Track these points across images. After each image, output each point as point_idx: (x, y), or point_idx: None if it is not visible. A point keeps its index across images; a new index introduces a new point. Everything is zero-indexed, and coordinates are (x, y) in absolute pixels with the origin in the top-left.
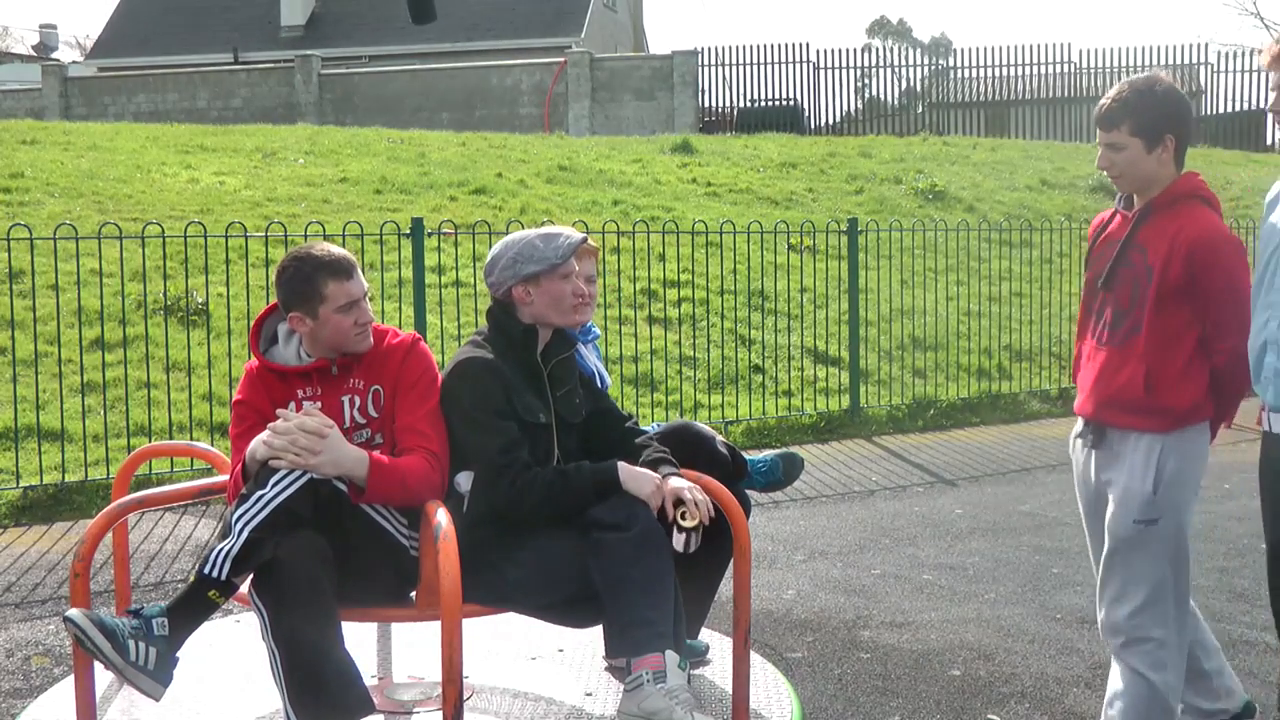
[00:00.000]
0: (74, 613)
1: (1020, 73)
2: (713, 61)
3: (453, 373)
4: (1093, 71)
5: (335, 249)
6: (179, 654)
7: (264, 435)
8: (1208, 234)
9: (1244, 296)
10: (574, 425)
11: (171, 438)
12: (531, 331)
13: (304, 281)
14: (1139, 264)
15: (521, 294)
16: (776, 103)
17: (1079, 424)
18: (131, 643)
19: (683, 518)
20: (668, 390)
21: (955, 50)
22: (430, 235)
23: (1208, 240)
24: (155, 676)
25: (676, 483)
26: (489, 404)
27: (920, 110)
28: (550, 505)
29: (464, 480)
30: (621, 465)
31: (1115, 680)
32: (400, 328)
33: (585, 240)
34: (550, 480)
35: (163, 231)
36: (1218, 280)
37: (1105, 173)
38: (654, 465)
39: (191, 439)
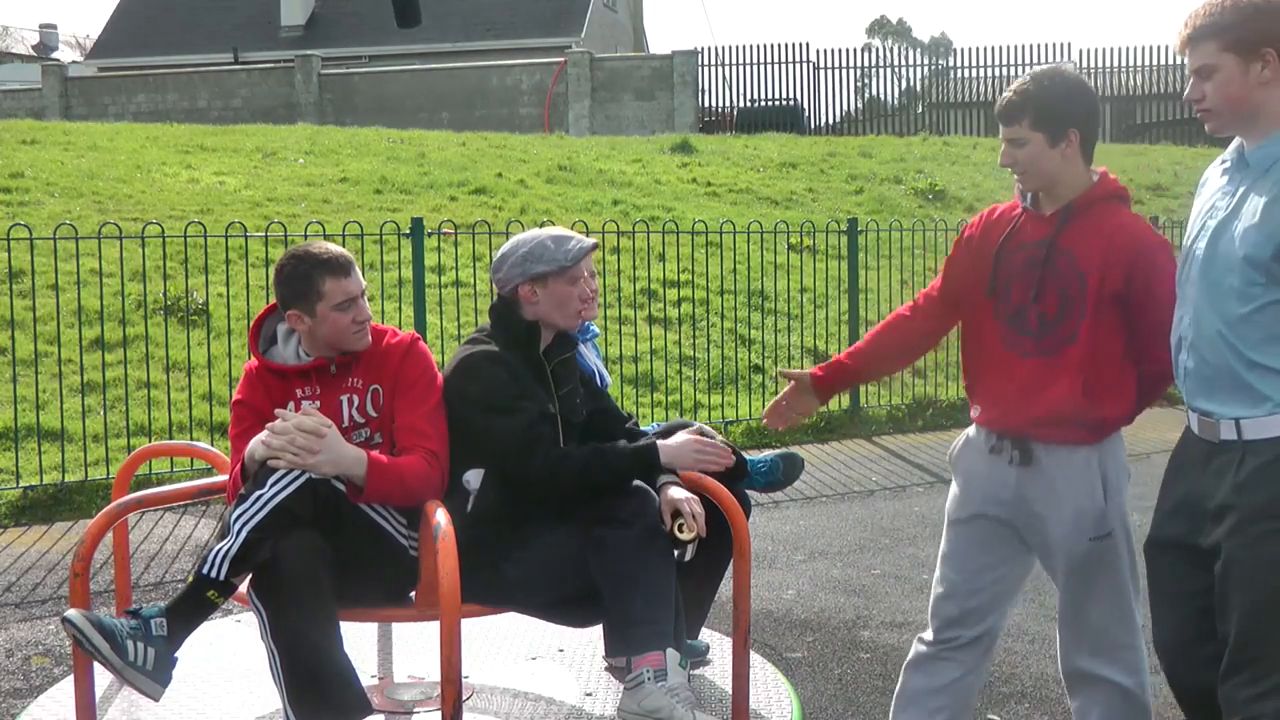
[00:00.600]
0: (72, 613)
1: (1020, 73)
2: (713, 61)
3: (458, 369)
4: (1093, 71)
5: (333, 247)
6: (178, 654)
7: (262, 435)
8: (1144, 241)
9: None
10: (576, 425)
11: (171, 438)
12: (535, 328)
13: (301, 279)
14: (1067, 270)
15: (528, 293)
16: (776, 103)
17: (983, 436)
18: (130, 643)
19: (680, 530)
20: (668, 390)
21: (955, 50)
22: (430, 235)
23: (1147, 248)
24: (154, 677)
25: (675, 493)
26: (502, 390)
27: (920, 110)
28: (586, 480)
29: (473, 478)
30: (661, 444)
31: (1085, 698)
32: (400, 328)
33: (596, 246)
34: (587, 456)
35: (163, 231)
36: (1161, 289)
37: (1010, 170)
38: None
39: (191, 439)
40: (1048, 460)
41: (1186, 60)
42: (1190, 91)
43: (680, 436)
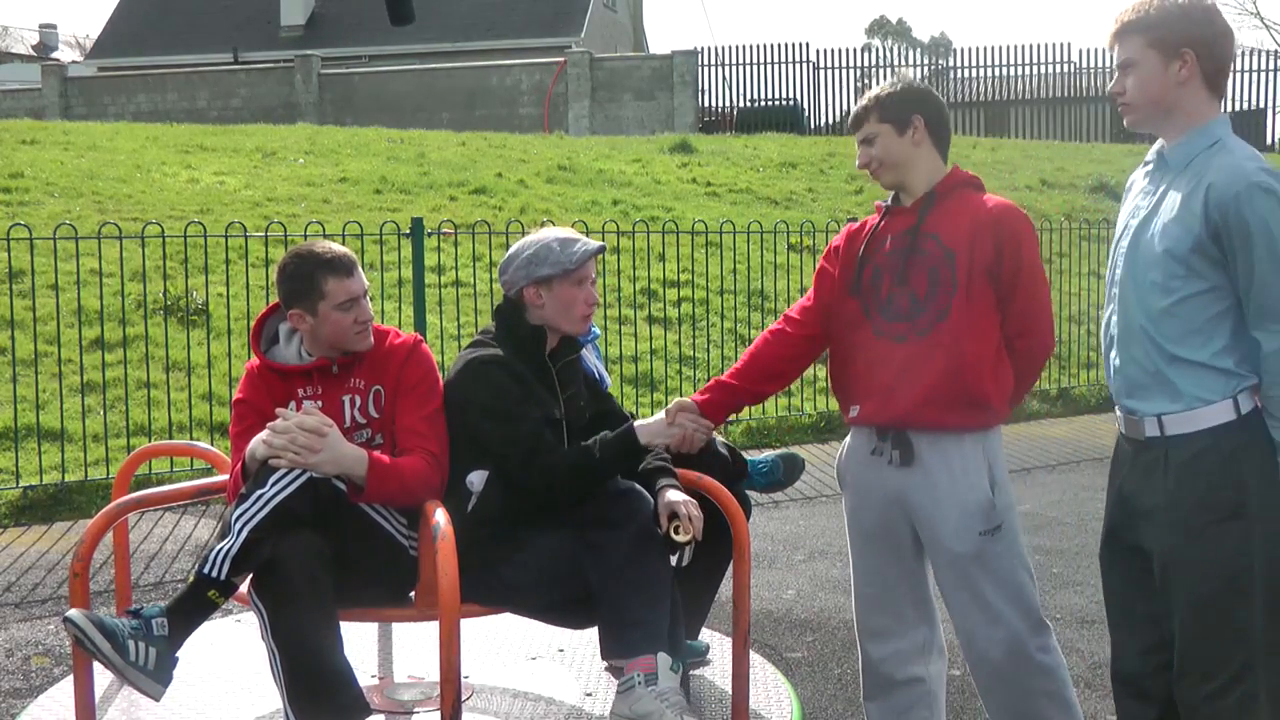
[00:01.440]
0: (74, 613)
1: (1020, 73)
2: (713, 61)
3: (463, 373)
4: (1093, 71)
5: (336, 246)
6: (179, 654)
7: (263, 434)
8: (1007, 212)
9: (1046, 281)
10: (580, 428)
11: (171, 438)
12: (540, 332)
13: (304, 279)
14: (934, 250)
15: (533, 295)
16: (776, 103)
17: (863, 439)
18: (131, 643)
19: (676, 532)
20: (668, 390)
21: (955, 50)
22: (430, 235)
23: (1010, 218)
24: (155, 677)
25: (673, 496)
26: (507, 395)
27: None
28: (579, 480)
29: (477, 479)
30: (637, 425)
31: (997, 706)
32: (400, 328)
33: (603, 249)
34: (573, 456)
35: (163, 231)
36: (1029, 258)
37: (868, 172)
38: (653, 474)
39: (191, 439)
40: (929, 454)
41: (1116, 53)
42: (1114, 85)
43: (657, 415)
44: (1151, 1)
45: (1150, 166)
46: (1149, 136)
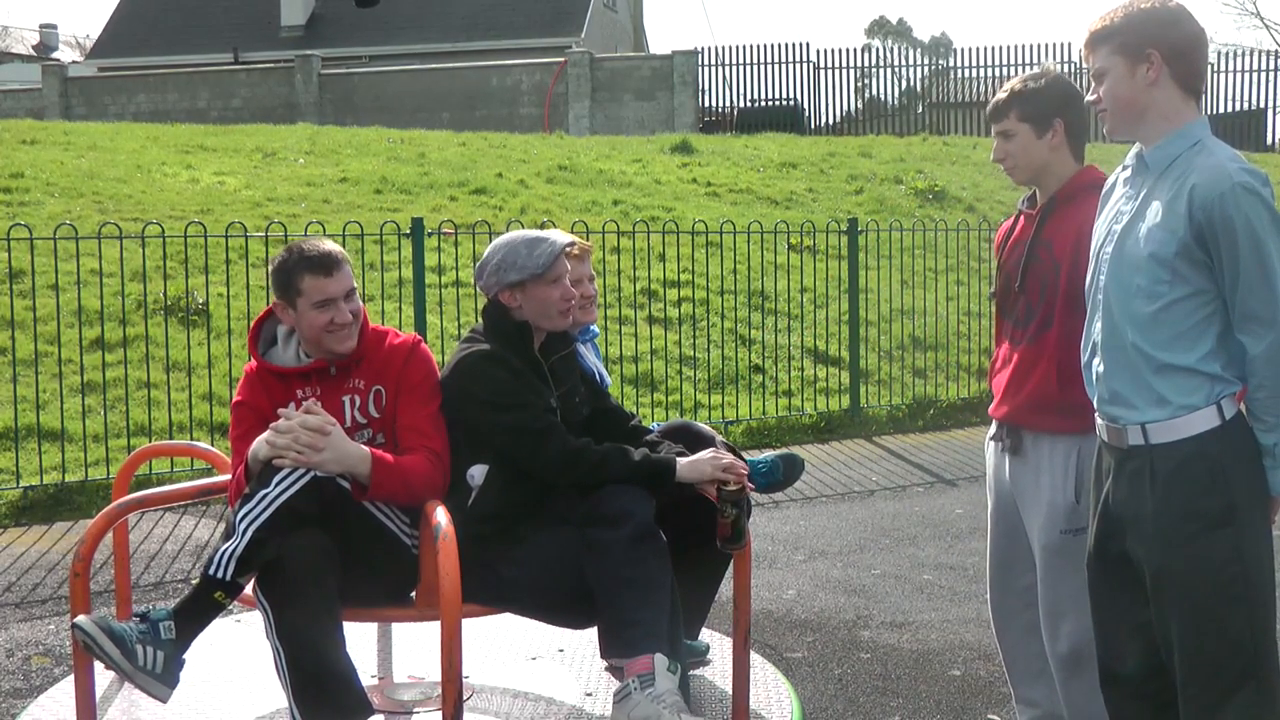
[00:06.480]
0: (82, 620)
1: (1020, 73)
2: (713, 61)
3: (458, 369)
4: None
5: (325, 245)
6: (185, 656)
7: (266, 435)
8: None
9: None
10: (576, 424)
11: (171, 438)
12: (525, 327)
13: (285, 274)
14: (1046, 260)
15: (509, 299)
16: (776, 103)
17: (993, 426)
18: (139, 647)
19: (729, 489)
20: (668, 390)
21: (955, 50)
22: (430, 235)
23: None
24: (163, 680)
25: (702, 455)
26: (506, 387)
27: (920, 110)
28: (602, 474)
29: (478, 473)
30: (680, 461)
31: (1073, 709)
32: (400, 328)
33: (572, 244)
34: (608, 452)
35: (163, 231)
36: None
37: (1000, 165)
38: (653, 446)
39: (191, 439)
40: (1033, 450)
41: (1092, 62)
42: (1090, 95)
43: (701, 454)
44: (1118, 10)
45: (1129, 171)
46: None
